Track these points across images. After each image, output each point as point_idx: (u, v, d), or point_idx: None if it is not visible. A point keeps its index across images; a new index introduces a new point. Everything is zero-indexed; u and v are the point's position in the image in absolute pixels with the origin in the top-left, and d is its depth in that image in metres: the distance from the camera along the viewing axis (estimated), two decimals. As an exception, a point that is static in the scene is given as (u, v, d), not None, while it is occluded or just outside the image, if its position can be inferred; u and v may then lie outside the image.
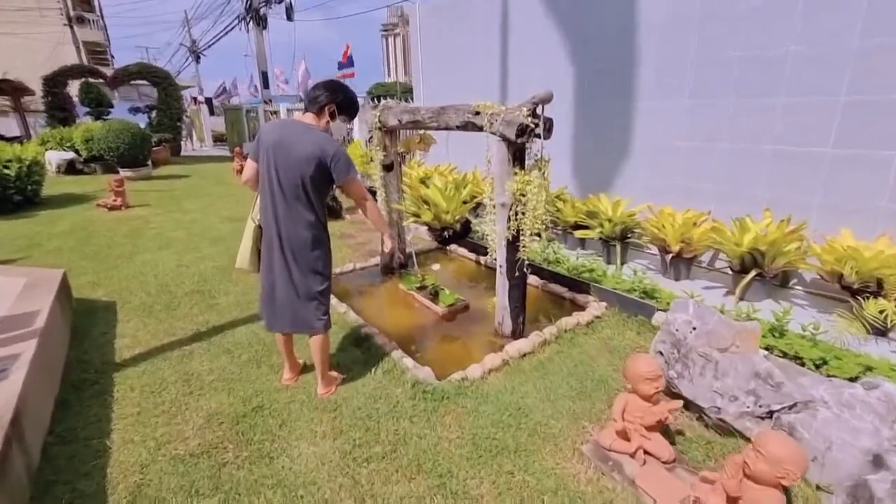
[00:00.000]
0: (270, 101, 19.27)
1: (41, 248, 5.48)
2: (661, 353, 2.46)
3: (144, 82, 16.60)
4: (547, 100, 2.53)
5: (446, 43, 6.68)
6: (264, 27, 19.14)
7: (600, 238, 4.19)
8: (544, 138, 2.66)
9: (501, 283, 3.11)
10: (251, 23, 19.06)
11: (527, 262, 2.99)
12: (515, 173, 2.79)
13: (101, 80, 15.80)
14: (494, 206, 3.00)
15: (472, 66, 6.40)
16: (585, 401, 2.49)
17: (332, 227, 6.43)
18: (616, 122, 4.66)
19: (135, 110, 14.82)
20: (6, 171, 7.10)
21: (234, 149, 16.91)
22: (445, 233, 3.48)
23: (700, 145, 3.98)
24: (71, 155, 11.29)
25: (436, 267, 3.85)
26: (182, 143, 23.40)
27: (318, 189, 2.29)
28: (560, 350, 3.00)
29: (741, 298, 3.32)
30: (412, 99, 9.17)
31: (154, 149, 12.84)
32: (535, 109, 2.64)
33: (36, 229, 6.32)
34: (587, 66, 4.85)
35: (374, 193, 4.34)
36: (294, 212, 2.25)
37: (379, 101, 11.23)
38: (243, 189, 9.51)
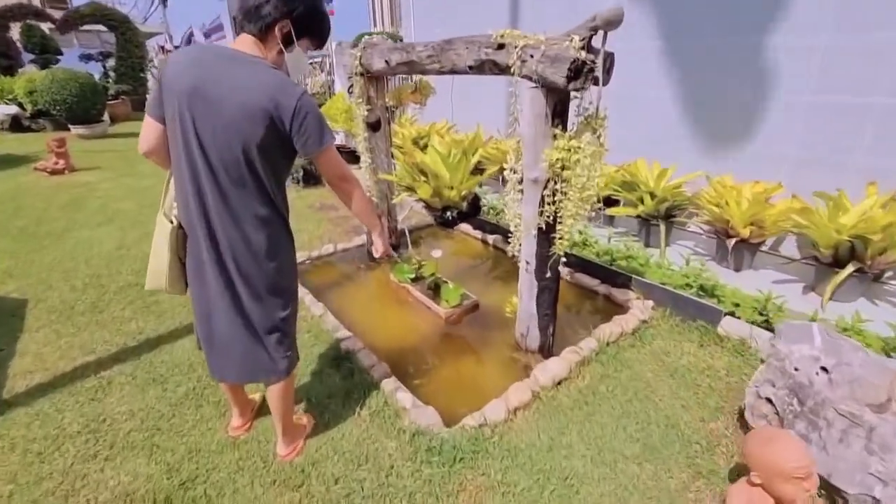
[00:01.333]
0: (245, 49, 17.56)
1: (-45, 224, 4.54)
2: (768, 401, 1.74)
3: (101, 27, 14.83)
4: (614, 22, 1.65)
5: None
6: (234, -37, 17.17)
7: (638, 216, 3.40)
8: (603, 83, 1.80)
9: (527, 283, 2.33)
10: (219, -42, 17.07)
11: (563, 258, 2.20)
12: (556, 136, 1.95)
13: (49, 24, 14.06)
14: (521, 182, 2.17)
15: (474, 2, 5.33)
16: (656, 463, 1.77)
17: (310, 195, 5.53)
18: (649, 68, 3.75)
19: (86, 58, 13.19)
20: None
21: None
22: (448, 213, 2.67)
23: (770, 97, 3.12)
24: (14, 109, 9.97)
25: (437, 253, 3.06)
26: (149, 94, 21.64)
27: (273, 164, 1.42)
28: (605, 374, 2.27)
29: (830, 298, 2.59)
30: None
31: (111, 102, 11.50)
32: (590, 39, 1.76)
33: (-46, 199, 5.33)
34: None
35: (357, 159, 3.46)
36: (236, 204, 1.40)
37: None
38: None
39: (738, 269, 3.04)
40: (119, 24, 14.33)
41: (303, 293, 3.03)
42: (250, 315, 1.53)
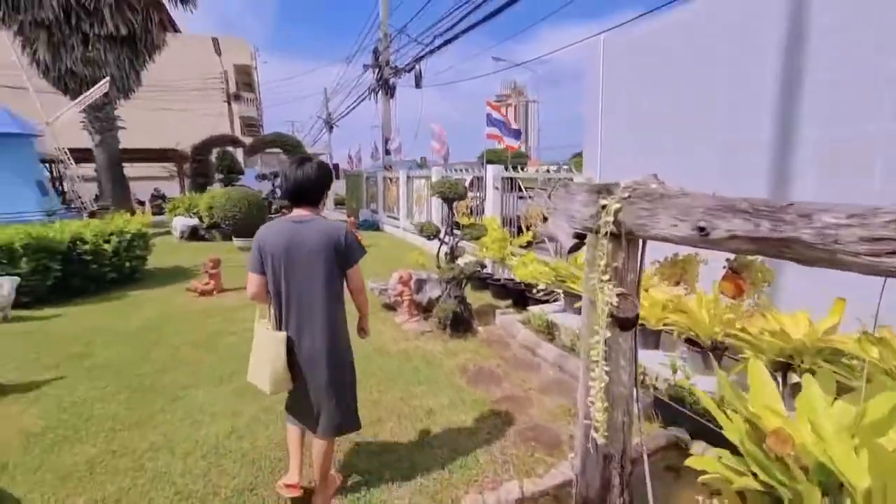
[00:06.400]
0: (391, 166, 19.02)
1: (88, 361, 4.14)
2: None
3: (278, 150, 17.21)
4: None
5: (657, 88, 4.48)
6: (391, 96, 19.32)
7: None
8: None
9: None
10: (380, 93, 19.40)
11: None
12: None
13: (241, 148, 16.66)
14: None
15: (700, 118, 4.10)
16: None
17: (461, 349, 4.31)
18: None
19: (261, 177, 15.09)
20: (105, 245, 6.35)
21: (349, 215, 16.46)
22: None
23: None
24: (194, 222, 11.16)
25: None
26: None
27: None
28: None
29: None
30: (523, 168, 7.16)
31: (273, 216, 12.45)
32: None
33: (105, 323, 5.19)
34: None
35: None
36: None
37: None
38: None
39: None
40: (292, 147, 16.44)
41: None
42: None
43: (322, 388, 2.13)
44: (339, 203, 26.89)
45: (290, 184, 2.08)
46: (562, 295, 5.20)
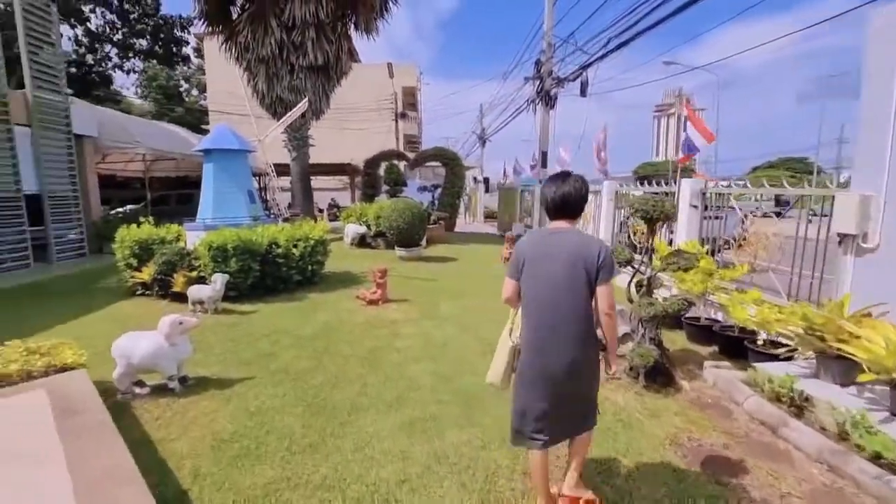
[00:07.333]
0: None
1: (273, 361, 4.31)
2: None
3: (437, 163, 17.84)
4: None
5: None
6: (552, 107, 18.58)
7: None
8: None
9: None
10: (539, 104, 18.83)
11: None
12: None
13: (404, 162, 17.69)
14: None
15: None
16: None
17: (661, 409, 3.26)
18: None
19: (422, 189, 15.80)
20: (294, 249, 6.92)
21: (504, 229, 16.16)
22: None
23: None
24: (363, 230, 11.94)
25: None
26: (458, 218, 25.05)
27: None
28: None
29: None
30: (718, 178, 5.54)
31: (431, 226, 12.71)
32: None
33: (287, 324, 5.48)
34: None
35: None
36: None
37: (647, 182, 7.69)
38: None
39: None
40: (450, 161, 16.83)
41: None
42: None
43: (573, 395, 2.13)
44: (488, 216, 27.03)
45: (557, 197, 2.13)
46: (808, 353, 3.82)
